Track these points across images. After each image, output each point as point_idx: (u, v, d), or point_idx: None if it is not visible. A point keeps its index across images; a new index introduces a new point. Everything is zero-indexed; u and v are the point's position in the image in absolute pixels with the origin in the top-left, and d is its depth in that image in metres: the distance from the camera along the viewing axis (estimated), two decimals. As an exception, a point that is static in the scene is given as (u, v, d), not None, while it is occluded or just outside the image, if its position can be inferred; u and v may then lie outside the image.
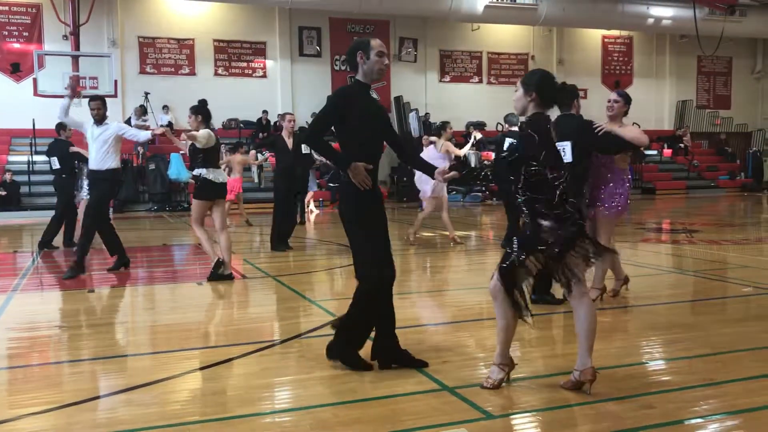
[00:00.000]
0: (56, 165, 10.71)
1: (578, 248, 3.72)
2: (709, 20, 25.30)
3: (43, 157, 20.38)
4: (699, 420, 3.39)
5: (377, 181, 4.23)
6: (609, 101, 6.01)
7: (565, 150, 5.43)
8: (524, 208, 3.80)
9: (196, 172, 7.62)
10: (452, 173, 4.44)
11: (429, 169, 4.59)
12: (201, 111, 7.68)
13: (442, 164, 9.08)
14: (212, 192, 7.56)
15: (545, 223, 3.70)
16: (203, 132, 7.49)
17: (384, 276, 4.18)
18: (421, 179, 10.20)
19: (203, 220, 7.68)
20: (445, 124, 10.53)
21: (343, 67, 24.74)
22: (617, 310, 5.75)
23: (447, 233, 10.74)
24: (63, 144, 10.79)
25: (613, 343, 4.92)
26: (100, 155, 8.09)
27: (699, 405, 3.58)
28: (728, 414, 3.44)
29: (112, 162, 8.17)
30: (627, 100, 6.00)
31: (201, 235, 7.68)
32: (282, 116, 12.68)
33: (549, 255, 3.70)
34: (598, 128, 5.56)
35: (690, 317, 5.74)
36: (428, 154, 10.22)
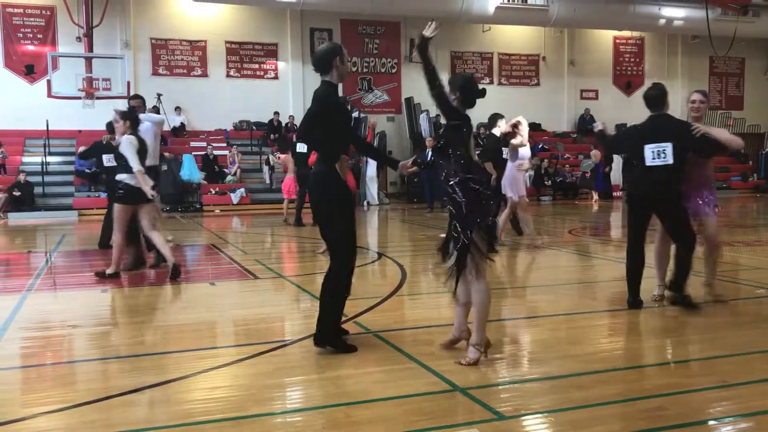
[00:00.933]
0: (111, 162, 10.80)
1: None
2: (721, 21, 25.13)
3: (57, 158, 20.66)
4: (713, 422, 3.38)
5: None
6: (693, 102, 6.01)
7: (666, 151, 5.48)
8: (458, 189, 4.23)
9: (119, 177, 7.79)
10: (414, 168, 4.86)
11: (390, 162, 5.14)
12: (129, 117, 7.91)
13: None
14: (136, 197, 7.72)
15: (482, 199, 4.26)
16: (123, 139, 7.69)
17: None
18: (507, 182, 9.86)
19: (127, 225, 7.86)
20: (496, 117, 9.75)
21: (354, 69, 24.78)
22: (629, 312, 5.73)
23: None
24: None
25: (625, 344, 4.91)
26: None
27: (712, 407, 3.57)
28: (742, 416, 3.43)
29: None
30: (708, 98, 6.04)
31: (157, 239, 7.96)
32: None
33: (485, 228, 4.24)
34: (696, 130, 5.53)
35: (702, 319, 5.70)
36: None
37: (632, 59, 28.73)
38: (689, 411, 3.48)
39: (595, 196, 22.10)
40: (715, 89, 29.99)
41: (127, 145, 7.66)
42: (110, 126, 11.22)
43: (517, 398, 3.72)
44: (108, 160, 10.81)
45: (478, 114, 22.69)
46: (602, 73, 28.02)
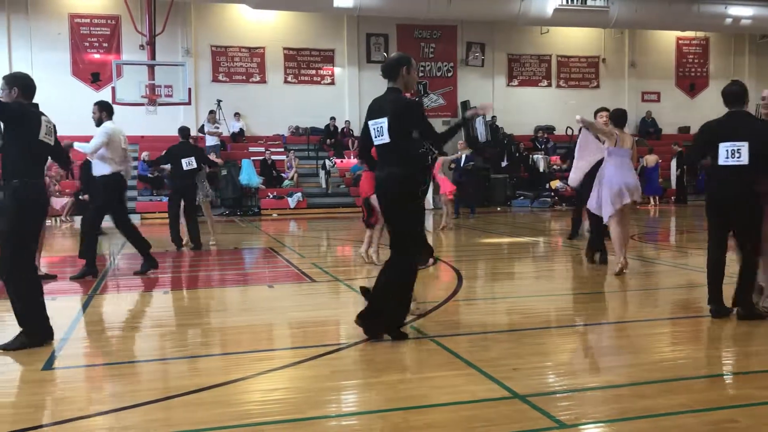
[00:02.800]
0: (193, 165, 11.14)
1: None
2: (791, 19, 24.25)
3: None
4: (785, 436, 3.24)
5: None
6: (764, 98, 5.81)
7: (741, 150, 5.25)
8: None
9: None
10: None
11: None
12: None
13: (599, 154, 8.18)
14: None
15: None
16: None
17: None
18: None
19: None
20: (596, 112, 9.01)
21: (410, 73, 24.79)
22: (694, 320, 5.55)
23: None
24: (198, 148, 11.42)
25: (689, 352, 4.76)
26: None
27: (785, 420, 3.42)
28: (817, 430, 3.27)
29: (103, 169, 8.28)
30: None
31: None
32: None
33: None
34: None
35: (773, 328, 5.49)
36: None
37: (696, 60, 27.96)
38: (761, 424, 3.34)
39: (651, 201, 21.68)
40: (785, 90, 28.90)
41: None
42: (185, 131, 11.56)
43: (577, 406, 3.64)
44: (188, 163, 11.08)
45: (537, 118, 22.38)
46: (664, 74, 27.34)
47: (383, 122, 4.93)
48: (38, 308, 5.00)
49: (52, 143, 5.34)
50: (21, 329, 4.91)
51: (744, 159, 5.23)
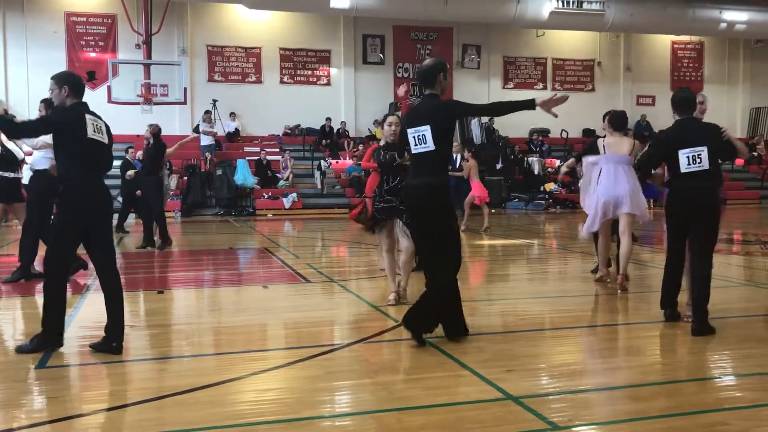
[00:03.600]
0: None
1: None
2: (786, 24, 24.37)
3: (116, 162, 21.14)
4: (777, 438, 3.26)
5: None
6: (702, 103, 5.93)
7: (701, 156, 5.26)
8: None
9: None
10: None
11: None
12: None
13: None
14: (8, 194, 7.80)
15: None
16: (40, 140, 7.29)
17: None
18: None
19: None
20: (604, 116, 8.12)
21: (405, 75, 24.83)
22: (688, 323, 5.56)
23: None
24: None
25: (683, 355, 4.77)
26: None
27: (776, 423, 3.44)
28: (808, 433, 3.29)
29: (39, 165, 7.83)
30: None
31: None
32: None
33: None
34: (724, 133, 5.40)
35: (764, 332, 5.51)
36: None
37: (691, 64, 28.06)
38: (752, 427, 3.36)
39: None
40: (779, 94, 29.06)
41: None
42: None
43: (570, 408, 3.65)
44: None
45: (532, 121, 22.38)
46: (659, 78, 27.43)
47: (425, 130, 4.82)
48: (62, 312, 4.94)
49: (105, 141, 5.16)
50: (41, 330, 4.82)
51: (705, 164, 5.24)
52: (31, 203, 7.80)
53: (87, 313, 6.26)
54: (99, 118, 5.22)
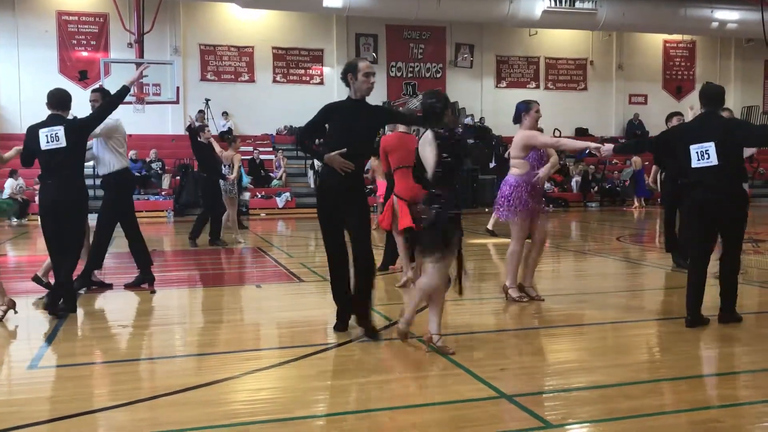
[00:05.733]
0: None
1: None
2: (777, 23, 24.44)
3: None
4: (768, 436, 3.28)
5: (342, 176, 4.94)
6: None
7: (709, 151, 5.18)
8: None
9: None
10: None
11: None
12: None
13: None
14: None
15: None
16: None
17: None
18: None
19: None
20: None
21: (399, 74, 24.83)
22: (679, 321, 5.59)
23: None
24: (206, 146, 11.36)
25: (675, 354, 4.79)
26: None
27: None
28: (800, 430, 3.31)
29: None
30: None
31: None
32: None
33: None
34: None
35: (755, 330, 5.54)
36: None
37: (683, 63, 28.14)
38: (745, 424, 3.38)
39: (636, 203, 21.80)
40: (771, 93, 29.20)
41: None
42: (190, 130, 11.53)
43: (564, 406, 3.66)
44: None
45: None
46: (652, 77, 27.50)
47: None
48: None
49: (63, 145, 6.07)
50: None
51: (713, 160, 5.15)
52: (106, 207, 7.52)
53: (79, 315, 6.24)
54: (60, 121, 5.55)
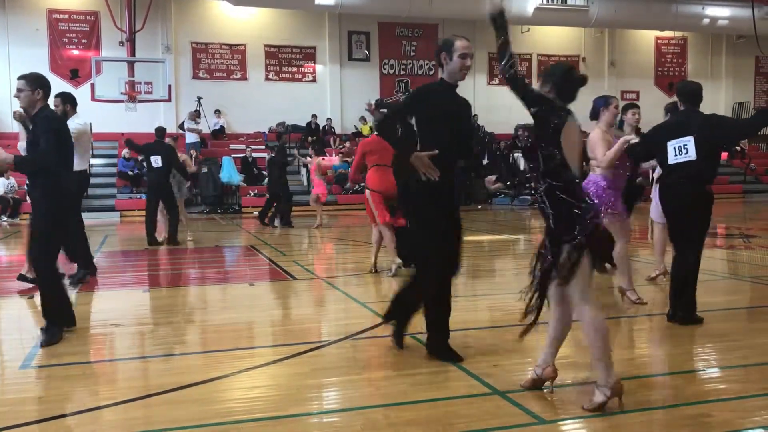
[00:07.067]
0: (159, 164, 11.14)
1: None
2: None
3: (100, 160, 21.08)
4: (760, 430, 3.30)
5: (446, 174, 4.22)
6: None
7: (688, 146, 5.15)
8: (546, 199, 3.58)
9: None
10: (498, 184, 4.42)
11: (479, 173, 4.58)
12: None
13: None
14: None
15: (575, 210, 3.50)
16: None
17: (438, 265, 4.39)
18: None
19: None
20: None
21: (391, 72, 24.83)
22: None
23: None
24: (169, 147, 11.48)
25: (666, 349, 4.81)
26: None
27: (760, 414, 3.48)
28: (790, 424, 3.33)
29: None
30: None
31: None
32: None
33: (577, 243, 3.47)
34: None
35: (747, 324, 5.58)
36: None
37: (675, 60, 28.25)
38: (735, 418, 3.40)
39: None
40: (762, 89, 29.33)
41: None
42: (160, 130, 11.63)
43: (556, 402, 3.67)
44: (155, 161, 11.12)
45: (517, 117, 22.37)
46: (644, 74, 27.60)
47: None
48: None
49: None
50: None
51: (692, 155, 5.13)
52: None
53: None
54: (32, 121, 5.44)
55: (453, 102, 4.42)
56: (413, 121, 4.33)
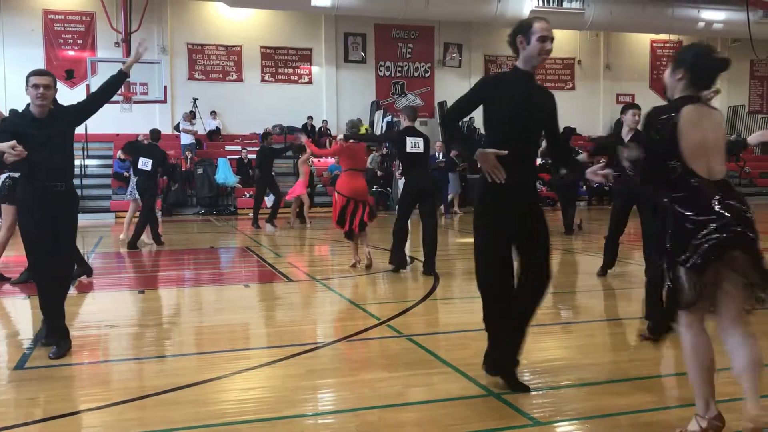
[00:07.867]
0: (148, 167, 11.11)
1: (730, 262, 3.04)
2: (763, 23, 24.60)
3: (95, 161, 21.02)
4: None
5: (519, 175, 3.76)
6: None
7: None
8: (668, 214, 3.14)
9: None
10: (607, 170, 3.74)
11: (580, 169, 4.01)
12: None
13: None
14: None
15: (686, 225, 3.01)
16: None
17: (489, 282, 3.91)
18: None
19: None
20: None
21: (387, 73, 24.83)
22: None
23: None
24: (160, 150, 11.49)
25: (663, 351, 4.81)
26: None
27: (754, 416, 3.47)
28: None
29: None
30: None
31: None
32: None
33: (692, 266, 3.00)
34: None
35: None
36: None
37: (670, 63, 28.32)
38: (731, 419, 3.39)
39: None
40: (756, 93, 29.44)
41: None
42: (155, 133, 11.60)
43: (552, 404, 3.67)
44: (143, 163, 11.10)
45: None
46: (639, 77, 27.65)
47: None
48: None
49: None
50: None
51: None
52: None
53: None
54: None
55: (529, 92, 3.90)
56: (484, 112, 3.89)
